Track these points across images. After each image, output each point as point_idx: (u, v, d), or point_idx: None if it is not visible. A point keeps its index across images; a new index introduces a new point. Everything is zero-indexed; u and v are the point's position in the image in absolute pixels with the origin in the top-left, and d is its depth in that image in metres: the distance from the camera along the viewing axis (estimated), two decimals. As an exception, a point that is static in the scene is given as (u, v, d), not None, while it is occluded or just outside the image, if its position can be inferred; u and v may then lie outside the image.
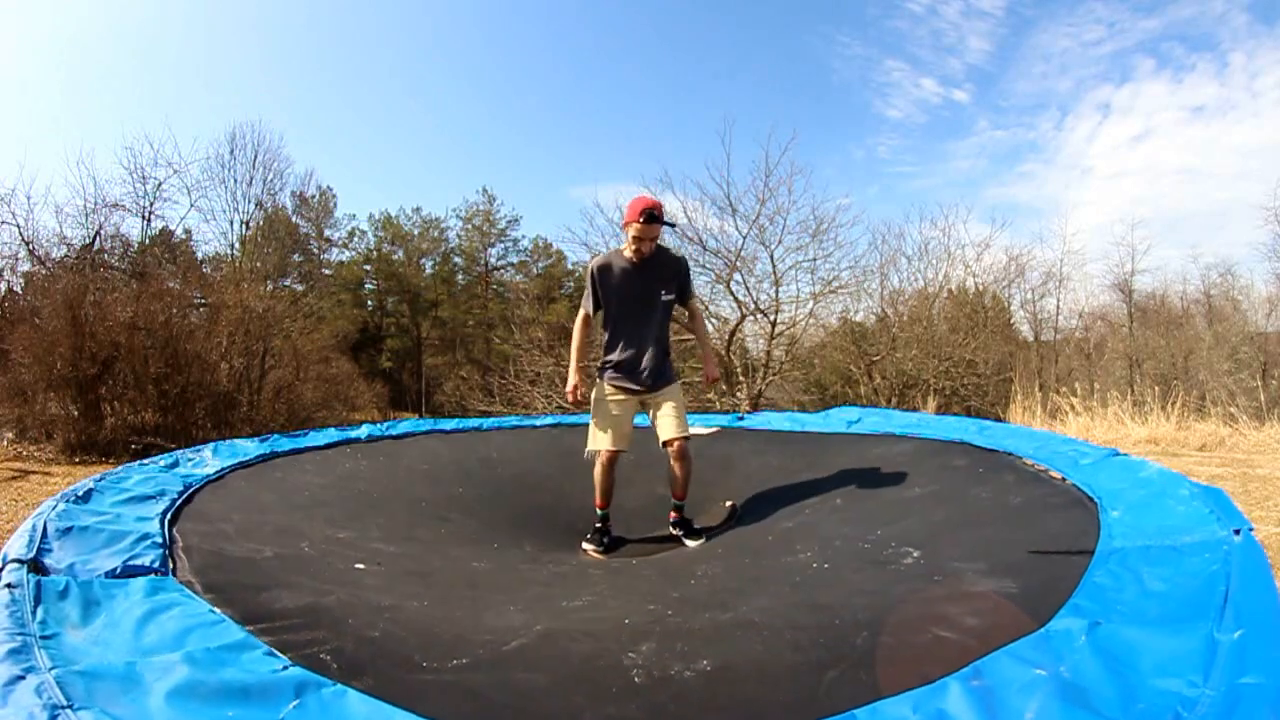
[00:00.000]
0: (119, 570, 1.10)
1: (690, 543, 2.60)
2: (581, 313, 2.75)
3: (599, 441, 2.68)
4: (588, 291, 2.71)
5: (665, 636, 1.07)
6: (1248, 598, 0.86)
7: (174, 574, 1.16)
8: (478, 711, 0.75)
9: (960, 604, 1.08)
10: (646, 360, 2.66)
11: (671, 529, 2.71)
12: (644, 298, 2.65)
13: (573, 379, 2.72)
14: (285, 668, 0.81)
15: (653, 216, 2.50)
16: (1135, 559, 1.10)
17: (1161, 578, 0.99)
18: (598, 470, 2.70)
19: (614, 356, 2.70)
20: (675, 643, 1.03)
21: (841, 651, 0.95)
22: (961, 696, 0.74)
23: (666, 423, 2.65)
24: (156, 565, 1.16)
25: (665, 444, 2.66)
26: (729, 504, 2.78)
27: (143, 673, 0.78)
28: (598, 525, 2.70)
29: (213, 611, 0.97)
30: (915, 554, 1.47)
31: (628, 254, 2.62)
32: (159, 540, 1.33)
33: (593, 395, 2.76)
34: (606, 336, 2.74)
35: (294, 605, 1.12)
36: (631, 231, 2.53)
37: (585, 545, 2.65)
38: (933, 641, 0.94)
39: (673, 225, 2.64)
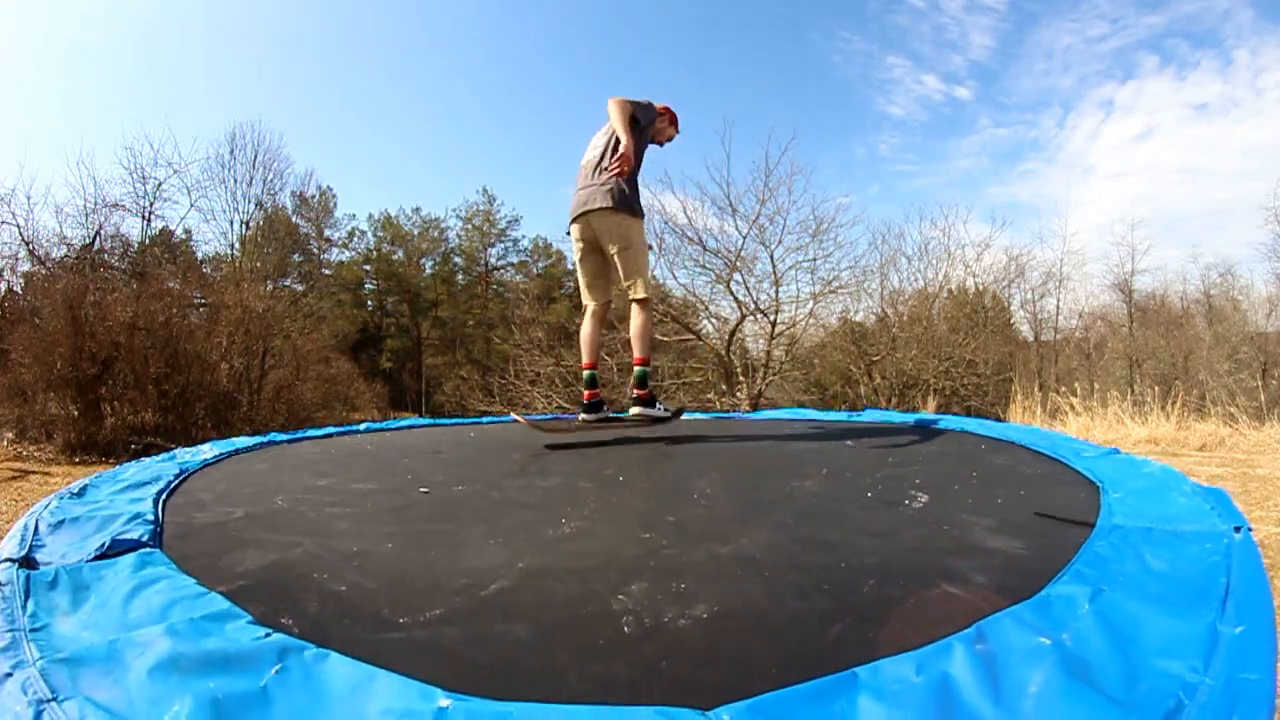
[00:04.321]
0: (106, 545, 1.09)
1: (634, 410, 2.57)
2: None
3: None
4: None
5: (659, 574, 1.03)
6: (1247, 594, 0.86)
7: (163, 548, 1.15)
8: (452, 673, 0.73)
9: (967, 558, 1.07)
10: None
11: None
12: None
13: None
14: (268, 635, 0.80)
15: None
16: (1136, 537, 1.09)
17: (1162, 558, 0.99)
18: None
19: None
20: (669, 582, 1.00)
21: (847, 601, 0.92)
22: (965, 660, 0.72)
23: None
24: (145, 539, 1.16)
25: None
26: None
27: (124, 651, 0.77)
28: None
29: (198, 582, 0.97)
30: (924, 499, 1.46)
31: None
32: (150, 517, 1.31)
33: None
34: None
35: (256, 565, 1.10)
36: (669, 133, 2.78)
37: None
38: (939, 596, 0.92)
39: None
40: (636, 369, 2.62)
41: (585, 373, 2.64)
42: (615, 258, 2.60)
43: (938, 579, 0.98)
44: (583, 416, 2.57)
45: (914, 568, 1.07)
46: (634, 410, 2.56)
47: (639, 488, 1.74)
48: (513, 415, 2.55)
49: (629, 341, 2.70)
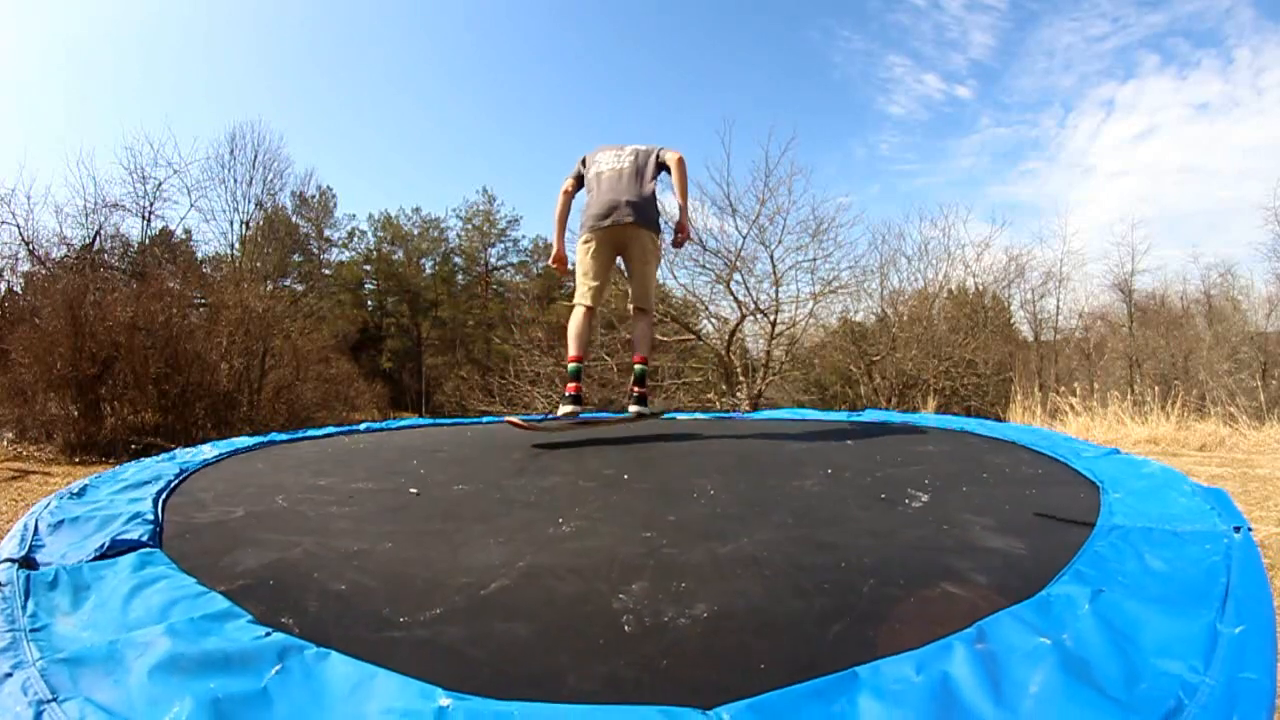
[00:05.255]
0: (105, 547, 1.09)
1: (632, 408, 2.70)
2: None
3: None
4: None
5: (659, 573, 1.03)
6: (1247, 594, 0.86)
7: (163, 548, 1.15)
8: (453, 672, 0.73)
9: (967, 558, 1.07)
10: None
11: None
12: None
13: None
14: (268, 634, 0.80)
15: None
16: (1136, 537, 1.09)
17: (1162, 558, 0.99)
18: None
19: None
20: (670, 581, 0.99)
21: (847, 600, 0.92)
22: (965, 660, 0.72)
23: None
24: (145, 539, 1.16)
25: None
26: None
27: (124, 651, 0.77)
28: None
29: (198, 581, 0.96)
30: (924, 499, 1.46)
31: None
32: (150, 517, 1.31)
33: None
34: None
35: (256, 564, 1.09)
36: None
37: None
38: (939, 596, 0.92)
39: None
40: (638, 367, 2.75)
41: (572, 365, 2.66)
42: (636, 269, 2.78)
43: (937, 579, 0.98)
44: (564, 408, 2.56)
45: (914, 567, 1.06)
46: (633, 409, 2.62)
47: (639, 487, 1.73)
48: (505, 418, 2.57)
49: (628, 341, 2.82)
